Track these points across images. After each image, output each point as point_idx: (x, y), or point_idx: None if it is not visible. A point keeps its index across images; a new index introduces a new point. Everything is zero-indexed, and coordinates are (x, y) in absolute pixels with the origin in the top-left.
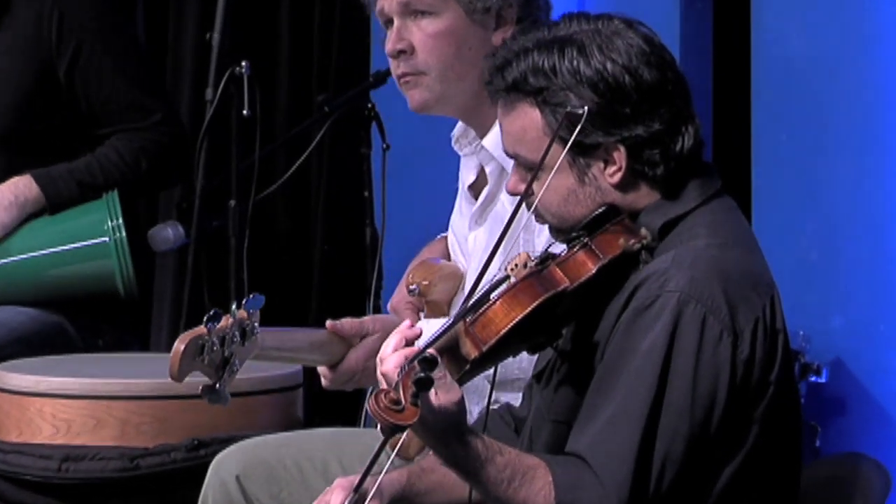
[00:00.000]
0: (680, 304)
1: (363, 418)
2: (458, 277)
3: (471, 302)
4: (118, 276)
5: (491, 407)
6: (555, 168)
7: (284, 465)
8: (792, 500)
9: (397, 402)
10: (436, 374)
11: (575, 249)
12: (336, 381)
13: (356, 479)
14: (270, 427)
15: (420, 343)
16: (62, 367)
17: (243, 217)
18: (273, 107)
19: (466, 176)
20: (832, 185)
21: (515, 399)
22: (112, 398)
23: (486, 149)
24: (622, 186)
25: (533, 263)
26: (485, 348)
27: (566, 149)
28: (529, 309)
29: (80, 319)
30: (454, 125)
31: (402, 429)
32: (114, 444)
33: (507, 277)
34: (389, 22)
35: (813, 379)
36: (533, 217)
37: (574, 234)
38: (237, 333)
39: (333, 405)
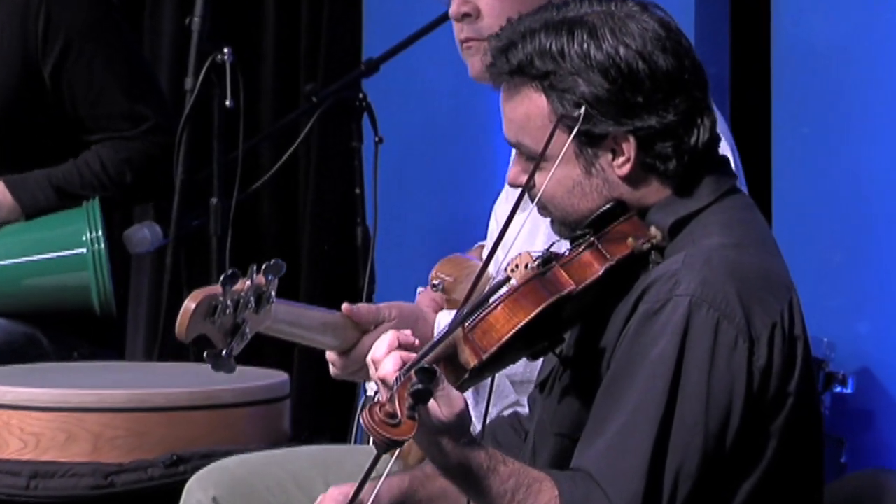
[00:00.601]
0: (691, 308)
1: (355, 433)
2: (487, 278)
3: (469, 307)
4: (94, 291)
5: (501, 414)
6: (559, 157)
7: (267, 485)
8: None
9: (393, 415)
10: (434, 384)
11: (580, 249)
12: (346, 369)
13: (350, 489)
14: (255, 441)
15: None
16: (31, 377)
17: (226, 216)
18: (257, 97)
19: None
20: (857, 182)
21: None
22: (84, 410)
23: None
24: (631, 180)
25: (535, 265)
26: (485, 356)
27: (571, 137)
28: (533, 314)
29: (55, 331)
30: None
31: (398, 444)
32: (86, 460)
33: (508, 280)
34: None
35: (838, 390)
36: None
37: (579, 233)
38: (252, 299)
39: (323, 418)
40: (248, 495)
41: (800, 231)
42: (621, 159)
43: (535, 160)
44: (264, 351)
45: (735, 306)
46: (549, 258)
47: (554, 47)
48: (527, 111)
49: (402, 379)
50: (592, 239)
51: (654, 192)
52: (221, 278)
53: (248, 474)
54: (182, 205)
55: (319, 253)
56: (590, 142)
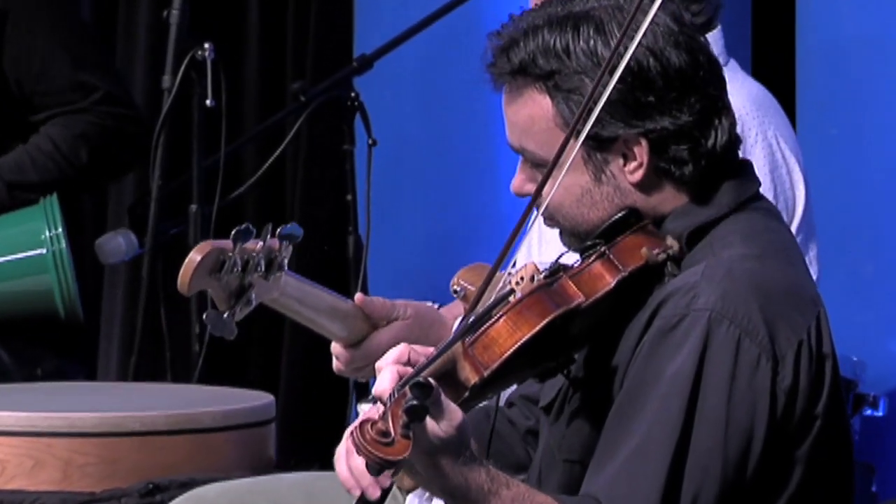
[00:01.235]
0: (711, 324)
1: None
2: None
3: (470, 319)
4: (58, 294)
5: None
6: (568, 164)
7: None
8: None
9: (386, 433)
10: (431, 400)
11: (590, 260)
12: (350, 364)
13: None
14: (237, 468)
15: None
16: None
17: (206, 223)
18: (241, 96)
19: None
20: (889, 188)
21: None
22: (53, 435)
23: None
24: (644, 187)
25: (542, 276)
26: (486, 373)
27: (580, 141)
28: (537, 328)
29: (15, 344)
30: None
31: (391, 465)
32: (55, 489)
33: (512, 292)
34: None
35: (868, 412)
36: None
37: (589, 242)
38: (263, 262)
39: (312, 443)
40: None
41: (827, 241)
42: (633, 164)
43: (541, 167)
44: (248, 371)
45: (758, 322)
46: (556, 269)
47: (558, 44)
48: (530, 114)
49: (397, 395)
50: (603, 249)
51: (669, 199)
52: (234, 232)
53: None
54: (159, 212)
55: (307, 264)
56: (599, 146)
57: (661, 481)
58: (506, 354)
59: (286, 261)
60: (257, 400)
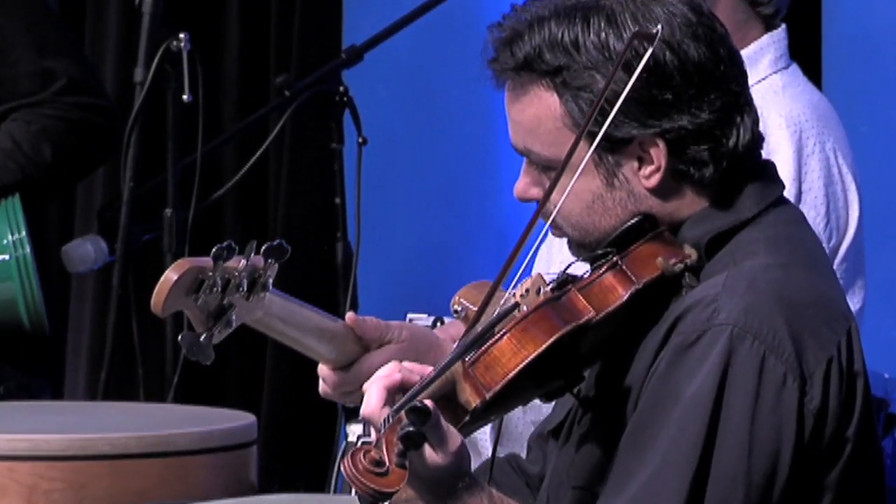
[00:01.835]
0: (733, 341)
1: (334, 482)
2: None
3: (471, 336)
4: (21, 303)
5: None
6: (579, 168)
7: None
8: None
9: (380, 462)
10: (429, 426)
11: (601, 271)
12: (339, 387)
13: None
14: (215, 494)
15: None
16: None
17: (182, 229)
18: (220, 90)
19: None
20: None
21: None
22: (16, 458)
23: None
24: (661, 191)
25: (549, 289)
26: (489, 395)
27: (593, 144)
28: (544, 346)
29: None
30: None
31: (385, 496)
32: None
33: (517, 306)
34: None
35: None
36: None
37: (600, 252)
38: (245, 281)
39: (297, 467)
40: None
41: None
42: (649, 168)
43: (548, 170)
44: (227, 388)
45: (784, 338)
46: (564, 281)
47: (567, 37)
48: (536, 113)
49: (392, 420)
50: (616, 259)
51: (687, 203)
52: (214, 250)
53: None
54: (131, 216)
55: (292, 274)
56: (611, 148)
57: None
58: (510, 375)
59: (271, 280)
60: (237, 420)
